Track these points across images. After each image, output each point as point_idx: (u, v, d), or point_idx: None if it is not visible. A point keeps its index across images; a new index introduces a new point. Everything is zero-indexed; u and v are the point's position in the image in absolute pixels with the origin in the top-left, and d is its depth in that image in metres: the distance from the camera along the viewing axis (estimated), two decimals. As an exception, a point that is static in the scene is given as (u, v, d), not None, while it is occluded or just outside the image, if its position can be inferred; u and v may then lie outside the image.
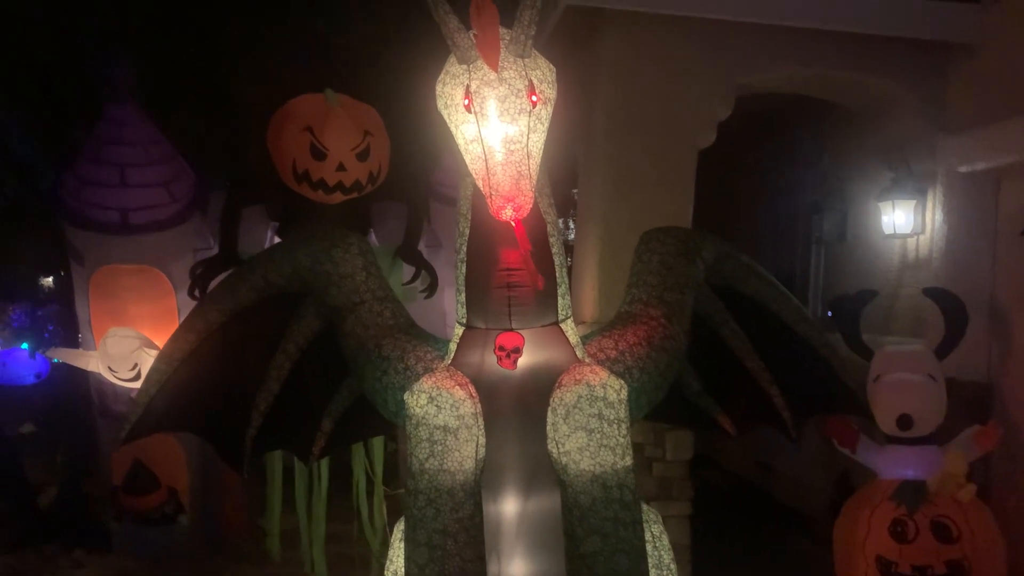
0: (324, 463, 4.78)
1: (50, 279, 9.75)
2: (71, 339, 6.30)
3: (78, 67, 6.69)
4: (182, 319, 3.00)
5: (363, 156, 4.51)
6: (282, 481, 4.81)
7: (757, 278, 2.98)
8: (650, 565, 2.57)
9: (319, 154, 4.40)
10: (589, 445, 2.33)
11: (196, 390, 2.77)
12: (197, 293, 4.67)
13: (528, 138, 2.19)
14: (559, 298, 2.47)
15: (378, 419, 2.69)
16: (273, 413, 2.82)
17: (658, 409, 2.74)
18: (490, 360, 2.41)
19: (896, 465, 4.05)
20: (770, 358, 2.96)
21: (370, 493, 4.97)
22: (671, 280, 2.73)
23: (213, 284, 4.16)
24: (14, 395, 8.60)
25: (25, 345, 9.06)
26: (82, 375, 5.45)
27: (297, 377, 2.80)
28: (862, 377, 4.11)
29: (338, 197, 4.55)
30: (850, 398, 3.16)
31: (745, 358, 2.94)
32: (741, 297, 2.94)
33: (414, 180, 5.32)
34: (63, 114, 7.10)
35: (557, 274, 2.45)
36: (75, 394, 6.00)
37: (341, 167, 4.46)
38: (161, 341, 4.69)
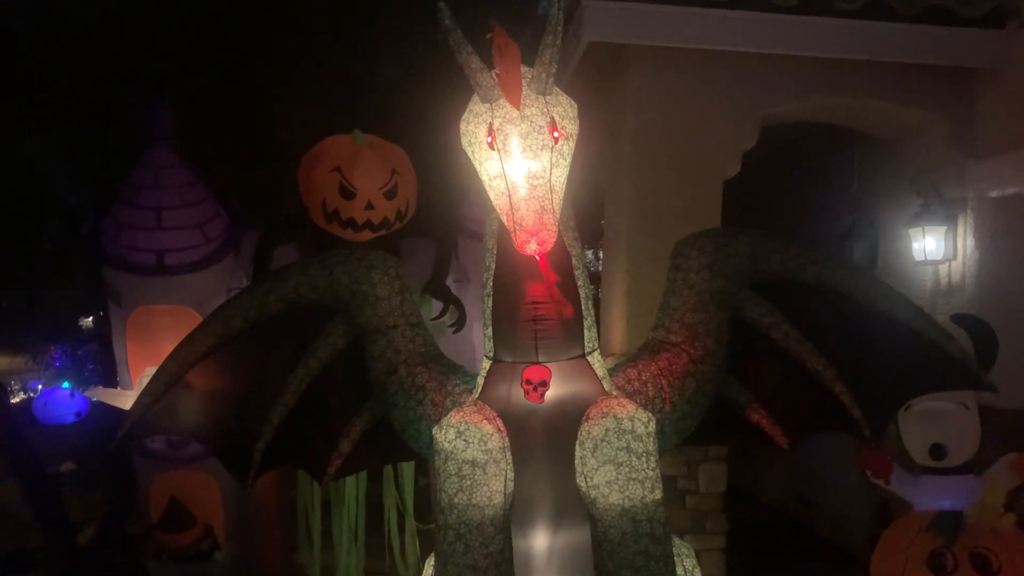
0: (361, 498, 4.80)
1: (89, 319, 9.92)
2: (109, 378, 6.40)
3: (119, 113, 6.88)
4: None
5: (391, 194, 4.60)
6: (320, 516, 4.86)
7: (816, 264, 2.63)
8: (683, 599, 2.53)
9: (348, 193, 4.50)
10: (618, 479, 2.31)
11: (206, 396, 2.71)
12: None
13: (551, 173, 2.20)
14: (585, 330, 2.45)
15: (398, 445, 2.65)
16: (286, 428, 2.73)
17: (703, 429, 2.65)
18: (517, 394, 2.40)
19: (932, 496, 3.97)
20: (841, 351, 2.67)
21: (402, 528, 4.98)
22: (692, 300, 2.61)
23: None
24: (55, 434, 8.72)
25: (66, 384, 9.20)
26: (120, 414, 5.53)
27: (315, 395, 2.72)
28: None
29: (367, 235, 4.62)
30: (960, 370, 2.79)
31: (804, 359, 2.66)
32: (800, 288, 2.62)
33: (442, 216, 5.39)
34: (105, 158, 7.29)
35: (583, 306, 2.43)
36: (114, 432, 6.08)
37: (370, 205, 4.55)
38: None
